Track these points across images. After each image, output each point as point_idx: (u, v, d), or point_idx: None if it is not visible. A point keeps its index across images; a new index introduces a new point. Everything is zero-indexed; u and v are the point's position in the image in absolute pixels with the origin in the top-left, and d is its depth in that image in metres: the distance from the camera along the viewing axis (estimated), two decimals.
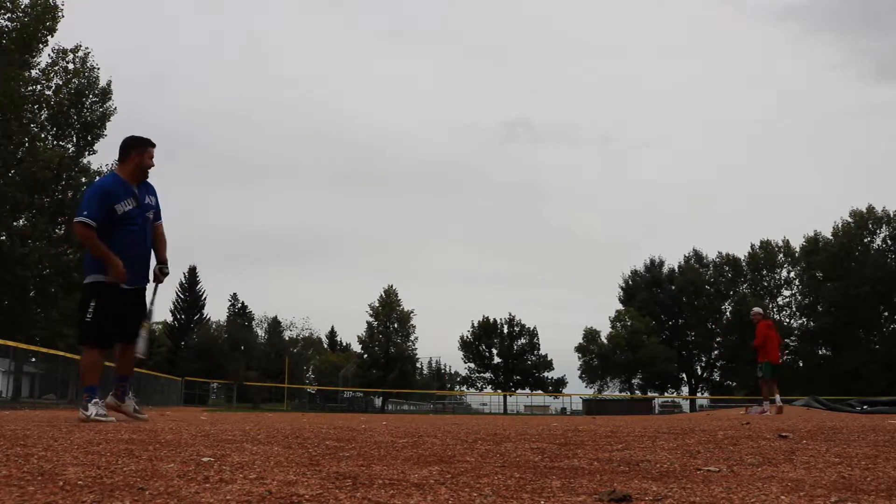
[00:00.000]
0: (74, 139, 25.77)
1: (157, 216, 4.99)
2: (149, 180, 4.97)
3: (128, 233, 4.68)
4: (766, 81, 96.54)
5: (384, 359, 50.28)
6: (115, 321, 4.66)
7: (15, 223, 24.17)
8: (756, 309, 12.76)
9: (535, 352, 55.08)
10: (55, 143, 25.16)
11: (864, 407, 11.90)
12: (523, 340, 55.28)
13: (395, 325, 52.23)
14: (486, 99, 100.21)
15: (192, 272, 54.18)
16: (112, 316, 4.63)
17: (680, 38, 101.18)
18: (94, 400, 4.52)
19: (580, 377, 56.01)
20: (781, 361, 12.26)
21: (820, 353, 53.85)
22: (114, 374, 5.01)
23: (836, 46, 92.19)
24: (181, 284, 52.86)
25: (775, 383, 11.89)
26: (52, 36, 24.22)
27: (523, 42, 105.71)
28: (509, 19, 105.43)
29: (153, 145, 4.93)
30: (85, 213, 4.57)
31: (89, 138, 25.85)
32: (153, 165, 4.89)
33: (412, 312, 52.38)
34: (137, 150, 4.85)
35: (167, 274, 4.97)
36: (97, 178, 25.78)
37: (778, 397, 11.95)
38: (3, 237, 23.61)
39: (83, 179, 25.54)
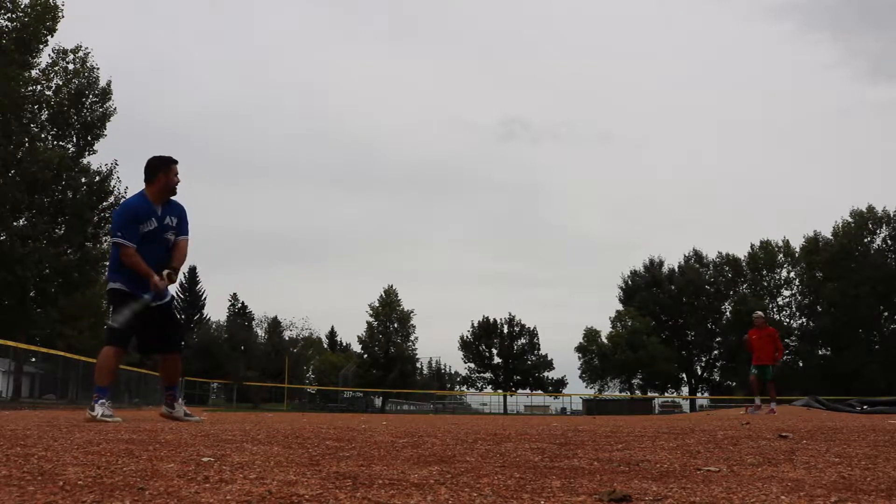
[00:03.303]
0: (74, 139, 25.73)
1: (182, 232, 5.15)
2: (176, 198, 5.14)
3: (144, 251, 4.88)
4: (765, 81, 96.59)
5: (384, 359, 50.25)
6: (135, 321, 4.89)
7: (15, 223, 24.14)
8: (757, 313, 12.39)
9: (535, 352, 55.07)
10: (55, 143, 25.12)
11: (864, 407, 11.87)
12: (523, 340, 55.26)
13: (395, 325, 52.22)
14: (486, 98, 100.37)
15: (192, 272, 54.24)
16: (130, 316, 4.87)
17: (679, 37, 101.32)
18: (102, 400, 4.64)
19: (580, 377, 56.06)
20: (774, 362, 11.77)
21: (820, 353, 53.83)
22: (160, 385, 5.49)
23: (833, 45, 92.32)
24: (181, 284, 52.93)
25: (771, 385, 11.81)
26: (52, 36, 24.20)
27: (522, 41, 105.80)
28: (508, 19, 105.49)
29: (176, 162, 5.08)
30: (119, 234, 4.84)
31: (89, 138, 25.81)
32: (179, 182, 5.06)
33: (412, 312, 52.44)
34: (163, 171, 5.00)
35: (173, 279, 5.05)
36: (96, 176, 25.81)
37: (758, 399, 11.86)
38: (3, 237, 23.60)
39: (83, 179, 25.53)
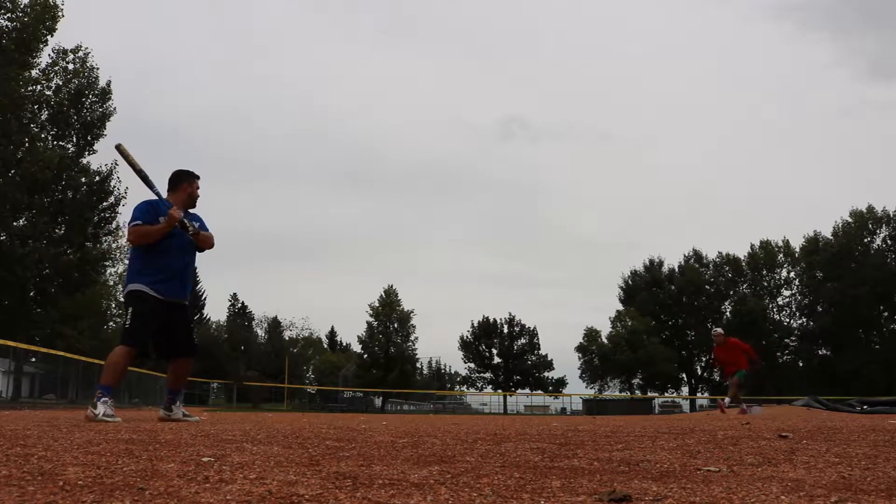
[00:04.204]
0: (74, 139, 25.74)
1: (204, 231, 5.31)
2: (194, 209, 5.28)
3: (167, 246, 4.94)
4: (765, 81, 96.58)
5: (384, 359, 50.27)
6: (154, 323, 4.91)
7: (15, 223, 24.15)
8: (715, 330, 13.19)
9: (536, 352, 55.08)
10: (55, 143, 25.13)
11: (864, 407, 11.90)
12: (523, 340, 55.29)
13: (395, 325, 52.23)
14: (485, 98, 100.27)
15: (192, 272, 54.18)
16: (148, 318, 4.88)
17: (679, 37, 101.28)
18: (105, 399, 4.60)
19: (580, 377, 56.09)
20: (753, 366, 12.79)
21: (820, 353, 53.84)
22: (165, 386, 5.38)
23: (833, 45, 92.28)
24: None
25: (734, 382, 12.47)
26: (52, 36, 24.21)
27: (522, 41, 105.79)
28: (508, 19, 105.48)
29: (199, 177, 5.30)
30: (132, 217, 4.95)
31: (89, 138, 25.83)
32: (199, 196, 5.26)
33: (412, 312, 52.45)
34: (188, 181, 5.20)
35: (190, 227, 5.01)
36: (96, 176, 25.82)
37: (744, 405, 12.58)
38: (3, 237, 23.61)
39: (83, 179, 25.53)
